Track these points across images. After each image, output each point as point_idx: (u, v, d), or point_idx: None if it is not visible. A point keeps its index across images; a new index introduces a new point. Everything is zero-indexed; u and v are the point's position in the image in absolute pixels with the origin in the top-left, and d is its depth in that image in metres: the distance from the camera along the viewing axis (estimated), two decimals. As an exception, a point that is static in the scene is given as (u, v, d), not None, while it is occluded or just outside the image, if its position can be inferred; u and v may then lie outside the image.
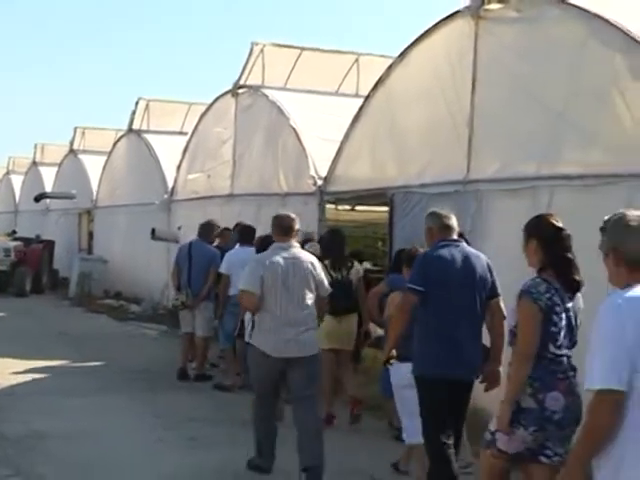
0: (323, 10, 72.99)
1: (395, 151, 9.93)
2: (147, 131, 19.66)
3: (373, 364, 8.88)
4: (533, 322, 4.33)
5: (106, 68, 73.98)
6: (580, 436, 3.23)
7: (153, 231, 15.30)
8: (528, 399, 4.28)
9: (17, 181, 30.22)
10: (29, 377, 10.29)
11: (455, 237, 5.75)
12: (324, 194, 11.45)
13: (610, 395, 3.02)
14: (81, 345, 12.95)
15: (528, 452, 4.30)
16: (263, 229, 9.04)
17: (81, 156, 23.78)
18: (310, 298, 6.40)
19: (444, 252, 5.57)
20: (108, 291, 19.93)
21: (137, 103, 19.78)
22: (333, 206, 12.14)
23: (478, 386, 5.67)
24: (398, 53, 9.93)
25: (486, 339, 5.67)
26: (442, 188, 8.77)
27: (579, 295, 4.58)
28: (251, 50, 14.01)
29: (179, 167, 17.12)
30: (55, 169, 25.60)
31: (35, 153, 28.00)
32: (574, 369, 4.41)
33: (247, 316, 6.80)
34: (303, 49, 14.34)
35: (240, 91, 14.30)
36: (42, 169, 27.19)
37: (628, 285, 3.20)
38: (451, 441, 5.48)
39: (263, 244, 7.62)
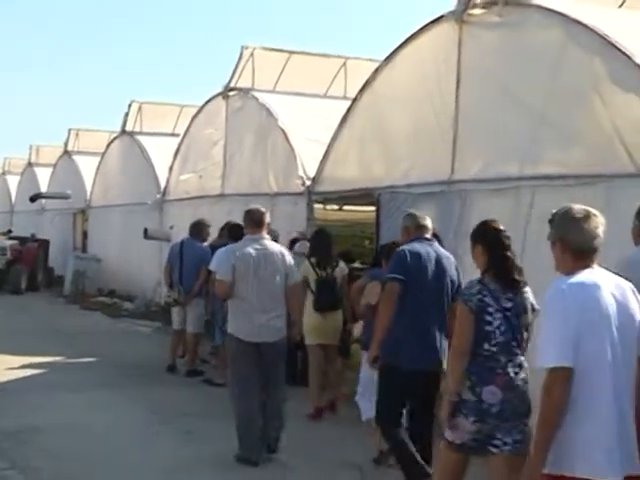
0: (315, 12, 73.06)
1: (381, 152, 9.94)
2: (140, 133, 19.68)
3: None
4: (464, 322, 4.45)
5: (100, 70, 73.83)
6: (540, 415, 3.43)
7: (146, 230, 15.31)
8: (467, 391, 4.39)
9: (13, 181, 30.13)
10: (24, 373, 10.26)
11: (429, 237, 6.00)
12: (312, 194, 11.46)
13: (562, 372, 3.35)
14: (76, 341, 12.92)
15: (475, 443, 4.37)
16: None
17: (75, 157, 23.74)
18: (280, 286, 6.69)
19: (420, 248, 5.82)
20: (102, 289, 19.90)
21: (130, 105, 19.82)
22: (321, 206, 12.15)
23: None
24: (385, 56, 9.95)
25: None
26: (427, 188, 8.79)
27: (527, 296, 4.60)
28: (241, 54, 14.05)
29: (171, 168, 17.12)
30: (50, 170, 25.54)
31: (30, 154, 27.93)
32: (520, 366, 4.47)
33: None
34: (292, 53, 14.40)
35: (231, 94, 14.31)
36: (37, 170, 27.12)
37: (572, 271, 3.53)
38: (405, 423, 5.86)
39: (232, 232, 7.72)
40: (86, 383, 9.68)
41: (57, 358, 11.39)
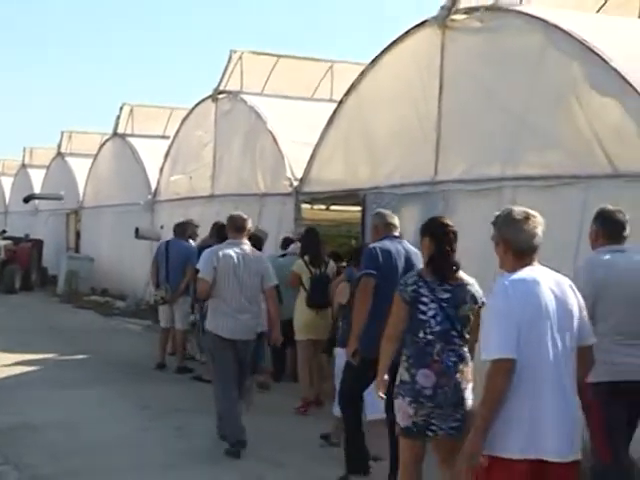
0: (303, 17, 73.02)
1: (367, 153, 9.94)
2: (131, 135, 19.68)
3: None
4: (397, 310, 4.67)
5: (93, 73, 73.55)
6: (481, 400, 3.55)
7: (137, 230, 15.26)
8: (405, 373, 4.59)
9: (7, 183, 30.03)
10: (19, 370, 10.22)
11: (397, 234, 6.10)
12: (300, 194, 11.46)
13: (505, 363, 3.47)
14: (69, 339, 12.89)
15: (416, 427, 4.54)
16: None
17: (68, 159, 23.65)
18: (257, 289, 6.96)
19: (390, 245, 5.93)
20: (95, 288, 19.85)
21: (122, 108, 19.84)
22: (309, 206, 12.15)
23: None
24: (370, 60, 9.96)
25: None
26: (411, 189, 8.81)
27: (469, 288, 4.70)
28: (230, 57, 14.06)
29: (162, 169, 17.08)
30: (43, 171, 25.45)
31: (24, 156, 27.83)
32: (461, 357, 4.56)
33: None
34: (280, 56, 14.43)
35: (220, 96, 14.29)
36: (31, 171, 27.01)
37: (514, 269, 3.68)
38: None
39: (219, 233, 8.18)
40: (79, 380, 9.65)
41: (50, 355, 11.35)
